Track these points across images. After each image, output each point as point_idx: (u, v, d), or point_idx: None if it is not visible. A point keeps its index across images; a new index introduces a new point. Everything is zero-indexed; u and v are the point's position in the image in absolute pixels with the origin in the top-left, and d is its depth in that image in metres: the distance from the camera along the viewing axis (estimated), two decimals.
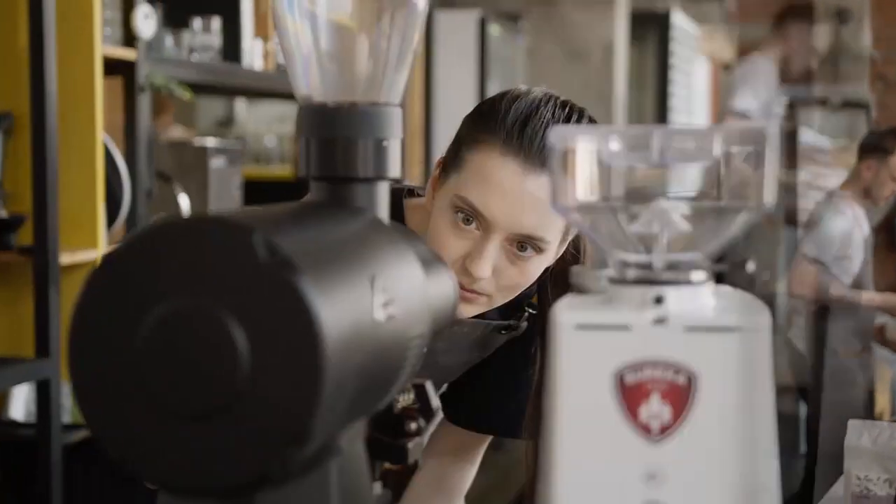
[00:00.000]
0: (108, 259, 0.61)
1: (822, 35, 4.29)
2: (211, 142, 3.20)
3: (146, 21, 2.61)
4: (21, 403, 2.62)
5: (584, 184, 0.69)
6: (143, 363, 0.60)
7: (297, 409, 0.59)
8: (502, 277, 1.25)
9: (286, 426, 0.59)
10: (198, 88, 3.19)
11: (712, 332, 0.65)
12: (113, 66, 2.61)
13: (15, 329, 2.43)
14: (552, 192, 0.68)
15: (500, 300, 1.29)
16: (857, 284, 4.14)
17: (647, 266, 0.69)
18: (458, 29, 5.31)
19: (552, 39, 5.44)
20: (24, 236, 2.37)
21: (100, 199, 2.49)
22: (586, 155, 0.68)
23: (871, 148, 4.09)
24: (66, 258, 2.39)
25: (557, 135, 0.68)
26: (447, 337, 1.36)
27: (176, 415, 0.60)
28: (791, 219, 4.68)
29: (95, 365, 0.61)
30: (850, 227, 4.08)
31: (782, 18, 4.23)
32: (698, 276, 0.68)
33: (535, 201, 1.21)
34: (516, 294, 1.29)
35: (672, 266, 0.68)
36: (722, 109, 4.30)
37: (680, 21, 7.60)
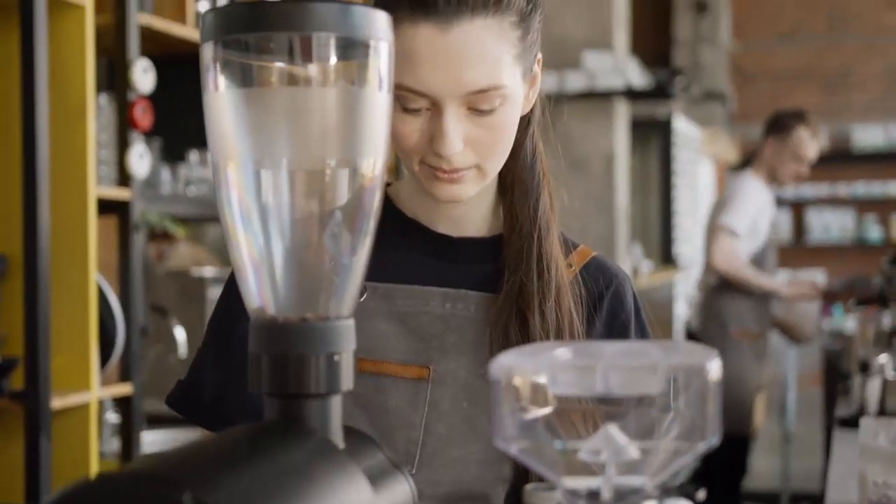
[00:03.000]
0: None
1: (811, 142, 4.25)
2: (209, 271, 3.21)
3: (141, 161, 2.64)
4: None
5: (528, 414, 0.68)
6: None
7: None
8: (478, 144, 1.15)
9: None
10: (196, 218, 3.21)
11: None
12: (108, 205, 2.63)
13: (5, 476, 2.41)
14: (494, 425, 0.67)
15: (493, 167, 1.18)
16: (757, 265, 4.12)
17: (596, 495, 0.67)
18: None
19: (552, 151, 5.48)
20: (16, 380, 2.37)
21: (93, 341, 2.48)
22: (529, 385, 0.67)
23: (772, 127, 4.17)
24: (57, 402, 2.38)
25: (499, 366, 0.67)
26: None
27: None
28: (786, 331, 4.64)
29: None
30: (763, 204, 4.09)
31: (765, 132, 4.28)
32: None
33: (467, 53, 1.10)
34: (507, 154, 1.18)
35: (621, 495, 0.67)
36: (709, 224, 4.27)
37: (682, 126, 7.67)
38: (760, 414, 6.12)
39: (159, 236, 3.52)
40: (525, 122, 1.25)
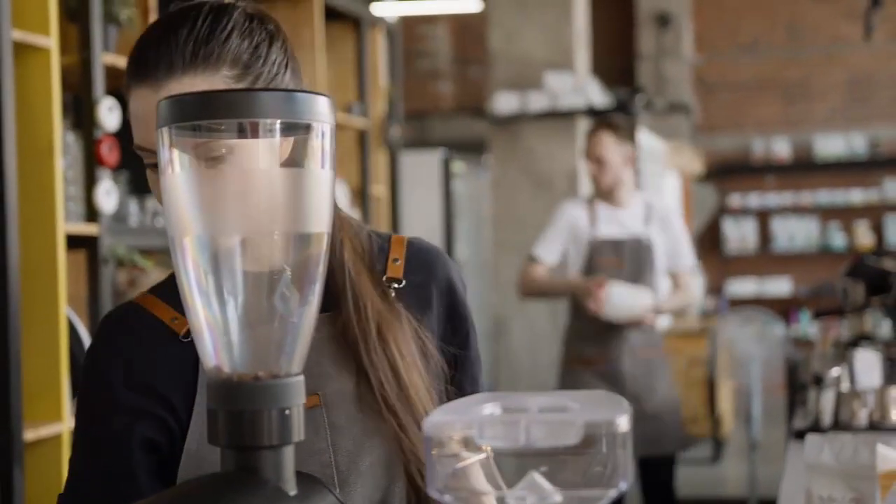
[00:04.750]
0: None
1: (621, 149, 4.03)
2: None
3: (108, 196, 2.70)
4: None
5: (459, 465, 0.75)
6: None
7: None
8: None
9: None
10: (165, 249, 3.26)
11: None
12: (76, 240, 2.69)
13: None
14: (428, 477, 0.74)
15: None
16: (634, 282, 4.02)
17: None
18: (423, 167, 5.47)
19: (517, 169, 5.57)
20: None
21: (63, 374, 2.54)
22: (460, 439, 0.74)
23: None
24: (30, 434, 2.43)
25: (432, 423, 0.74)
26: None
27: None
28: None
29: None
30: (569, 225, 4.03)
31: None
32: None
33: None
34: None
35: None
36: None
37: (646, 139, 7.76)
38: (728, 421, 6.16)
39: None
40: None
